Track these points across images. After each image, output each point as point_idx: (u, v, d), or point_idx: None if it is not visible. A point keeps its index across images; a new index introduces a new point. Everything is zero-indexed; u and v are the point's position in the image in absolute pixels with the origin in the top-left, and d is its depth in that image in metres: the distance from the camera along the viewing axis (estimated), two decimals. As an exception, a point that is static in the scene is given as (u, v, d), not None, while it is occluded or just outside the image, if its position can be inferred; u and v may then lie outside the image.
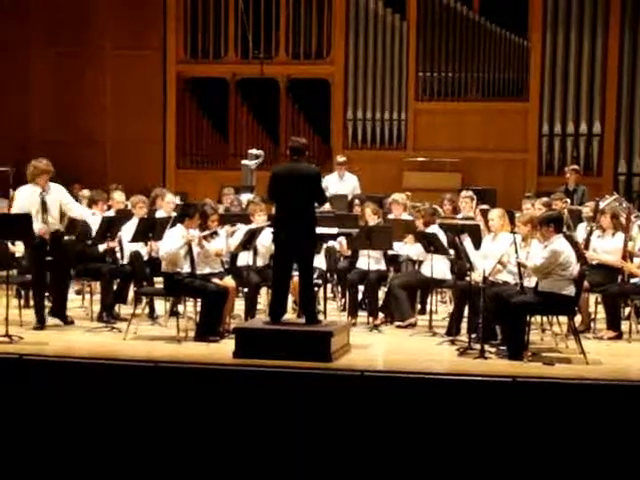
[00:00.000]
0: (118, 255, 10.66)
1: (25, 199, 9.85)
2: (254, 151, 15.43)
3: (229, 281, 10.03)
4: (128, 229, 10.63)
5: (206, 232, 9.95)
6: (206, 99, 18.79)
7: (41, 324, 9.86)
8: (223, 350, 8.91)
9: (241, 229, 10.71)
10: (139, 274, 10.44)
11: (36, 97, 18.62)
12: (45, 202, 9.81)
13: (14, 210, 9.98)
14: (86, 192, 12.87)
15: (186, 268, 9.74)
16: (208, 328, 9.48)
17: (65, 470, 8.23)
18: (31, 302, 10.64)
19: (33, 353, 8.63)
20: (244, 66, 18.52)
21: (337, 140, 18.37)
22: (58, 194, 10.05)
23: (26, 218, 9.36)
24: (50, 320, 10.06)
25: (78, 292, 11.68)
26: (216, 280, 9.84)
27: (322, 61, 18.42)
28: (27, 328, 9.80)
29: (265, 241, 10.38)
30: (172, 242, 9.69)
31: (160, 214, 11.52)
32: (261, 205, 11.12)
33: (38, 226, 9.68)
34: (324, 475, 7.89)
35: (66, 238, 11.20)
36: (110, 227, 10.60)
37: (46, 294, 10.16)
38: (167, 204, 11.72)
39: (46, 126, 18.46)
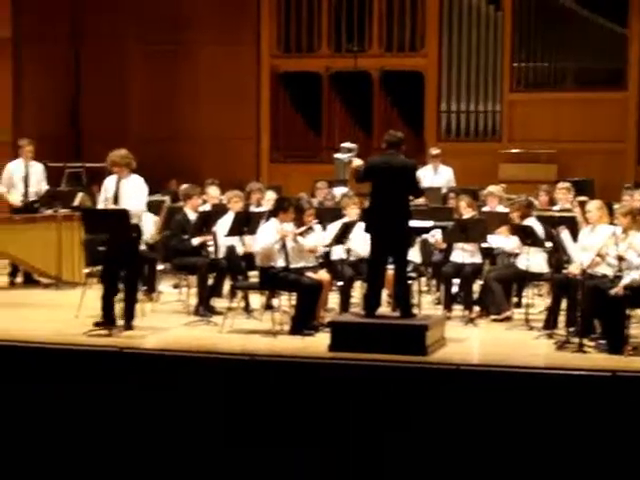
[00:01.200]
0: (211, 249, 10.75)
1: (104, 188, 9.95)
2: (347, 144, 15.41)
3: (323, 275, 10.05)
4: (223, 224, 10.73)
5: (302, 228, 9.98)
6: (299, 93, 18.83)
7: (107, 321, 9.52)
8: (318, 343, 8.94)
9: (334, 224, 10.70)
10: (234, 268, 10.51)
11: (132, 94, 18.87)
12: (117, 192, 9.67)
13: (100, 199, 10.07)
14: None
15: (280, 262, 9.78)
16: (303, 322, 9.52)
17: (161, 461, 8.33)
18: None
19: (132, 346, 8.77)
20: (337, 59, 18.52)
21: (430, 133, 18.25)
22: (129, 185, 9.74)
23: (124, 213, 9.46)
24: (142, 317, 10.10)
25: (175, 286, 11.82)
26: (310, 274, 9.87)
27: (415, 53, 18.31)
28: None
29: (358, 237, 10.30)
30: (266, 236, 9.74)
31: (254, 208, 11.61)
32: (354, 199, 11.10)
33: None
34: (418, 470, 7.85)
35: (163, 233, 11.42)
36: (206, 222, 10.72)
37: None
38: (268, 201, 11.81)
39: (142, 122, 18.70)
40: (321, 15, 18.61)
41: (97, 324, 9.46)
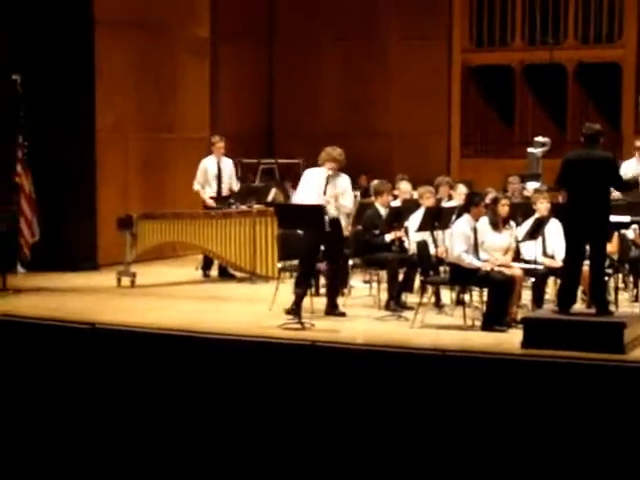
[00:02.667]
0: (406, 245, 10.77)
1: (310, 178, 10.20)
2: (540, 139, 15.14)
3: (516, 270, 9.90)
4: (414, 219, 10.73)
5: (506, 260, 9.91)
6: (490, 87, 18.61)
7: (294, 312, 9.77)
8: (511, 340, 8.82)
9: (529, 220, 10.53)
10: (425, 263, 10.48)
11: (324, 90, 19.07)
12: (327, 187, 10.04)
13: (300, 187, 10.30)
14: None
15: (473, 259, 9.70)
16: (495, 317, 9.41)
17: (351, 457, 8.37)
18: (321, 290, 10.98)
19: (324, 340, 8.86)
20: (531, 52, 18.19)
21: (628, 125, 17.71)
22: (342, 183, 10.27)
23: (319, 209, 9.61)
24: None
25: (366, 281, 11.88)
26: (502, 269, 9.74)
27: (613, 44, 17.81)
28: (318, 315, 10.07)
29: (553, 234, 10.09)
30: (461, 246, 9.64)
31: (444, 202, 11.58)
32: (544, 193, 10.90)
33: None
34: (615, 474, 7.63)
35: (354, 228, 11.52)
36: (397, 217, 10.75)
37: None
38: (459, 195, 11.77)
39: (333, 118, 18.87)
40: (515, 7, 18.32)
41: (288, 312, 9.71)
